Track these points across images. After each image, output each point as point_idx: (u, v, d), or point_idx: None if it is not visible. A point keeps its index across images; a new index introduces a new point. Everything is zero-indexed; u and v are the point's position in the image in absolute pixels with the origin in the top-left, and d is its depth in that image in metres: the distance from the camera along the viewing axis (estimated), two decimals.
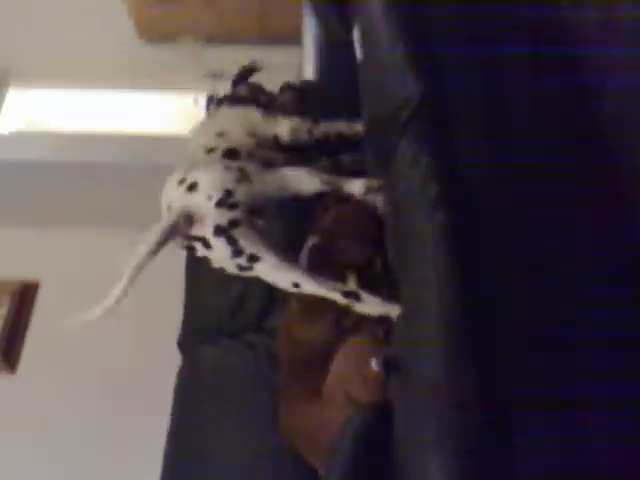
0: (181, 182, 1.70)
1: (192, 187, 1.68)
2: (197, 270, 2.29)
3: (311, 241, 1.86)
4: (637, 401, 1.27)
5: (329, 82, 2.49)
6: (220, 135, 1.94)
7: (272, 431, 1.77)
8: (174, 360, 2.28)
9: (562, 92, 1.61)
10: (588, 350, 1.34)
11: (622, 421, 1.28)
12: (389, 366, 1.56)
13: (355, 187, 1.84)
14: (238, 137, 1.93)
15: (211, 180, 1.69)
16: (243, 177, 1.71)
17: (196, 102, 3.72)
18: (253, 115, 2.04)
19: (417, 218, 1.48)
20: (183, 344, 2.32)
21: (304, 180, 1.77)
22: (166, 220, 1.67)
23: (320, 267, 1.78)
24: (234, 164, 1.77)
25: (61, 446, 2.70)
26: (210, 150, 1.87)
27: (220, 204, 1.66)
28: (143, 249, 1.61)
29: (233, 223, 1.67)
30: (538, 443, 1.24)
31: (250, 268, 1.72)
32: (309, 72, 2.61)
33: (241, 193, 1.68)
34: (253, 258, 1.70)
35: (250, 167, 1.77)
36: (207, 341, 2.21)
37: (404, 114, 1.52)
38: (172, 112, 3.75)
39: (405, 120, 1.52)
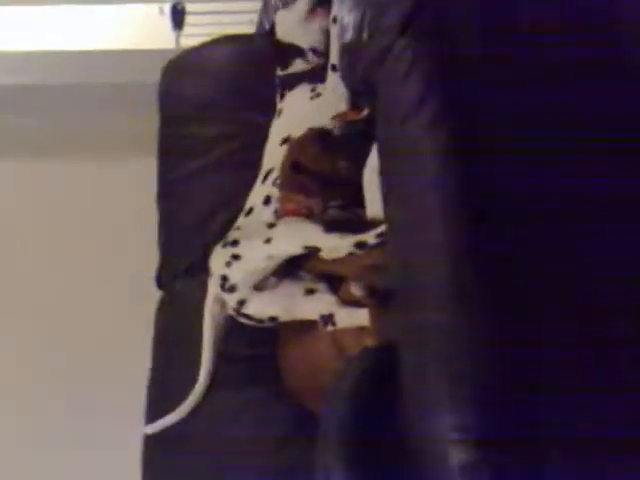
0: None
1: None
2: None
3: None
4: None
5: None
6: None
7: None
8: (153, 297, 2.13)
9: None
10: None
11: None
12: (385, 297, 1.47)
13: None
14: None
15: (212, 264, 1.75)
16: (233, 256, 1.68)
17: (161, 11, 3.47)
18: None
19: (412, 136, 1.31)
20: (161, 279, 2.16)
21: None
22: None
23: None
24: (232, 235, 1.75)
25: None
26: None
27: (222, 290, 1.70)
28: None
29: (240, 303, 1.68)
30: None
31: None
32: None
33: (235, 275, 1.68)
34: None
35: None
36: (186, 275, 2.05)
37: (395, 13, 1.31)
38: (137, 24, 3.51)
39: (399, 20, 1.31)
